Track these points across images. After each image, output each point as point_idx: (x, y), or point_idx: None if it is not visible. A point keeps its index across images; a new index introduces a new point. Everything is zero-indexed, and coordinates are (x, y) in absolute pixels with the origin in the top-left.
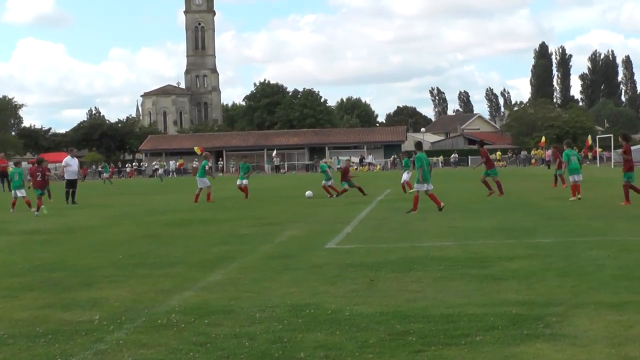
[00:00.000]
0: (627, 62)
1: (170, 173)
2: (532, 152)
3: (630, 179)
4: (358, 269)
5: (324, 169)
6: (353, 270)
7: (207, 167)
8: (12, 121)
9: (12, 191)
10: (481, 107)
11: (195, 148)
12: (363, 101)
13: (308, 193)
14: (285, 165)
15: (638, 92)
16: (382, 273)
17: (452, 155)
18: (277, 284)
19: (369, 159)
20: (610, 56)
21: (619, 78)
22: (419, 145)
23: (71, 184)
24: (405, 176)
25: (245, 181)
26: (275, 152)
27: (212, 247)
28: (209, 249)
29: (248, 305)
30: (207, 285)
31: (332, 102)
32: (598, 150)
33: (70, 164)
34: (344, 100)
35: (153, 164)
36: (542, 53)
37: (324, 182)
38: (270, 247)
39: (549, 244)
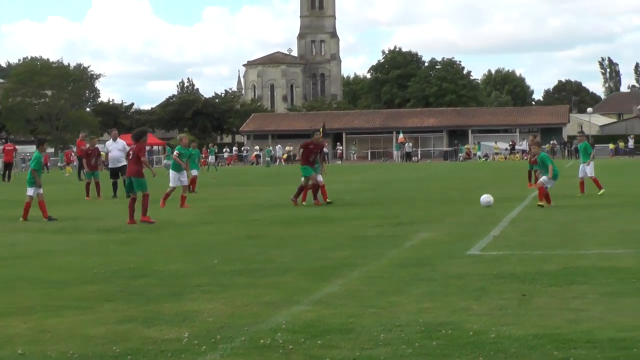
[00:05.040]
0: None
1: (277, 160)
2: None
3: None
4: (507, 281)
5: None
6: (501, 283)
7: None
8: (88, 95)
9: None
10: None
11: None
12: (516, 74)
13: (486, 200)
14: (419, 153)
15: None
16: (538, 287)
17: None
18: (407, 297)
19: (522, 145)
20: None
21: None
22: None
23: (115, 173)
24: (587, 170)
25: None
26: (401, 135)
27: (328, 251)
28: (324, 254)
29: (371, 323)
30: (322, 298)
31: (477, 75)
32: None
33: (110, 149)
34: (492, 72)
35: (255, 148)
36: None
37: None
38: (400, 253)
39: None
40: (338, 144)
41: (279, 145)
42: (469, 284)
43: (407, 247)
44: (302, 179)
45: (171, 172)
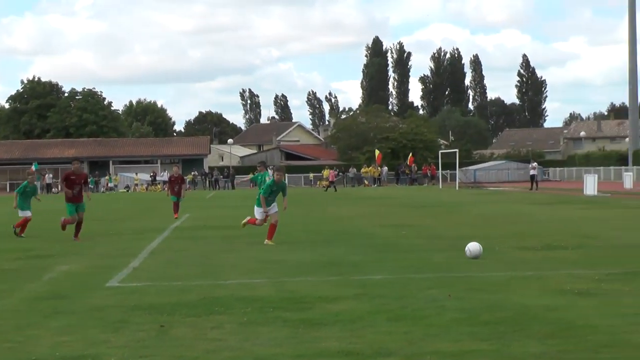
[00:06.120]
0: (476, 63)
1: None
2: (363, 170)
3: None
4: (146, 313)
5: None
6: (140, 314)
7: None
8: None
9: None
10: (302, 114)
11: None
12: (157, 105)
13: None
14: (59, 185)
15: (488, 98)
16: (176, 317)
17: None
18: (44, 331)
19: (163, 176)
20: (456, 55)
21: (467, 82)
22: None
23: None
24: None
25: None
26: (34, 167)
27: None
28: None
29: (6, 358)
30: None
31: (118, 106)
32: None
33: None
34: (134, 103)
35: None
36: (376, 50)
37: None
38: (38, 286)
39: (380, 281)
40: None
41: None
42: (108, 316)
43: (46, 280)
44: (69, 217)
45: None
